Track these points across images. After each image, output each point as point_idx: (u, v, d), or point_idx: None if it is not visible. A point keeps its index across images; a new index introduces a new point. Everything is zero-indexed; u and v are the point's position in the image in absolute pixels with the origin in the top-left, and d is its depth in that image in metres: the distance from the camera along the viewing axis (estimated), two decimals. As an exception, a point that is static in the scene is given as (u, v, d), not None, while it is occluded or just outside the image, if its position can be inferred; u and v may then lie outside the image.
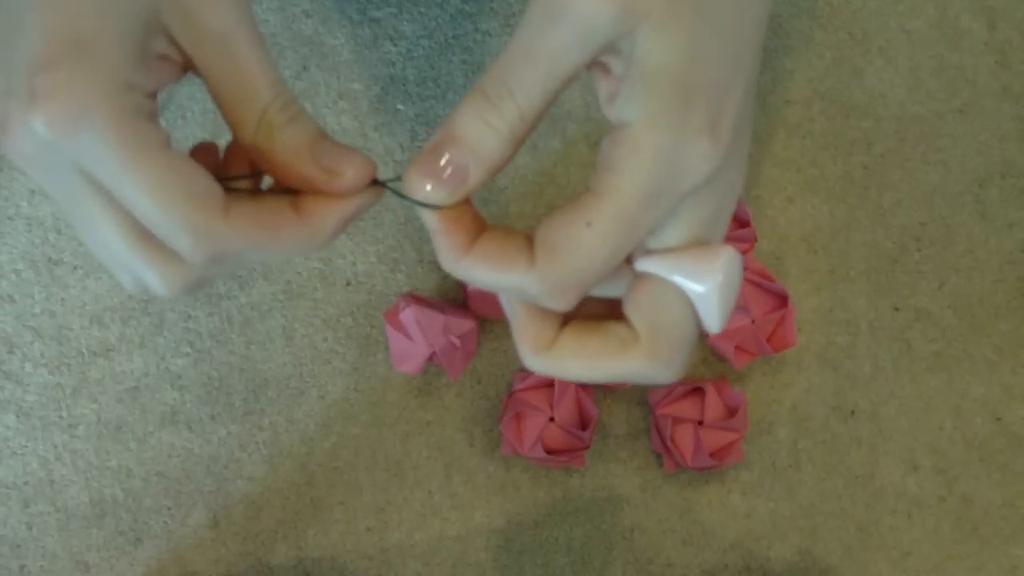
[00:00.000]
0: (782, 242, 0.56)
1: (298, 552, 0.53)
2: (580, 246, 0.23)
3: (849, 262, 0.56)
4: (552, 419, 0.50)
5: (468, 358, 0.52)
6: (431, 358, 0.50)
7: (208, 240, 0.24)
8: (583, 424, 0.51)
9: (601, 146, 0.24)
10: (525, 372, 0.52)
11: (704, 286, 0.24)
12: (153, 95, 0.25)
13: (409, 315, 0.49)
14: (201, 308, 0.54)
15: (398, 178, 0.26)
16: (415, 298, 0.51)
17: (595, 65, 0.25)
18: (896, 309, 0.56)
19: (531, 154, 0.55)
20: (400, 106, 0.55)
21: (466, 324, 0.50)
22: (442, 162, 0.24)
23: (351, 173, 0.25)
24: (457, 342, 0.49)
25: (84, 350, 0.54)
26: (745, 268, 0.52)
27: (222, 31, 0.24)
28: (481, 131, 0.24)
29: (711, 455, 0.50)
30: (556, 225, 0.24)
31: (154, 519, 0.53)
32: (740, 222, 0.52)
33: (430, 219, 0.25)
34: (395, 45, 0.55)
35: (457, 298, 0.54)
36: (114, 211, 0.24)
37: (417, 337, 0.49)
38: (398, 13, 0.55)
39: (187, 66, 0.26)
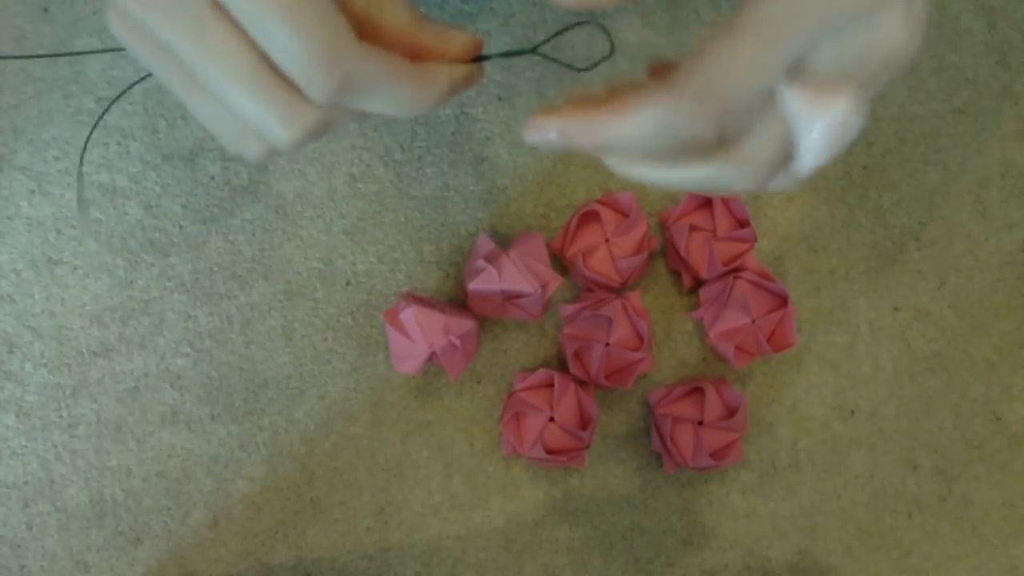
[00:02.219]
0: (782, 242, 0.56)
1: (298, 552, 0.53)
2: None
3: (849, 262, 0.56)
4: (552, 419, 0.50)
5: (468, 358, 0.52)
6: (431, 358, 0.50)
7: (343, 62, 0.24)
8: (583, 424, 0.51)
9: None
10: (525, 372, 0.52)
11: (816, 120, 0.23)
12: None
13: (409, 315, 0.49)
14: (201, 308, 0.54)
15: (504, 54, 0.30)
16: (415, 298, 0.51)
17: None
18: (896, 309, 0.56)
19: (531, 154, 0.55)
20: (400, 106, 0.55)
21: (466, 324, 0.50)
22: None
23: (461, 40, 0.28)
24: (457, 342, 0.49)
25: (84, 350, 0.54)
26: (744, 268, 0.52)
27: None
28: None
29: (711, 455, 0.50)
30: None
31: (154, 519, 0.53)
32: (740, 222, 0.52)
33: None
34: (395, 45, 0.55)
35: (457, 298, 0.54)
36: (239, 45, 0.24)
37: (417, 337, 0.49)
38: (398, 13, 0.55)
39: None
